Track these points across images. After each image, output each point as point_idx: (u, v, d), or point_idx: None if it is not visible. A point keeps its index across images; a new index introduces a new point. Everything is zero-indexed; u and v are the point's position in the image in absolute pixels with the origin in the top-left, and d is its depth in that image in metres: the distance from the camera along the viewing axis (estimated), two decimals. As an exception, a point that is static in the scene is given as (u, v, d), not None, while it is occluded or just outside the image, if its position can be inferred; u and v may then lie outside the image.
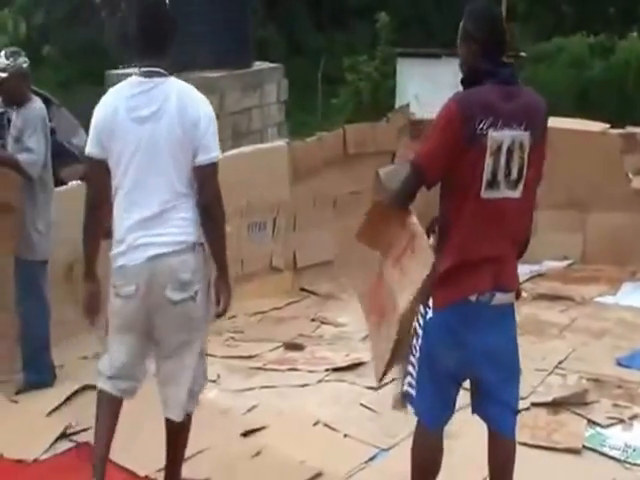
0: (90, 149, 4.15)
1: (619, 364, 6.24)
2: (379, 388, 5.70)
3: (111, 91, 4.16)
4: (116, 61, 16.10)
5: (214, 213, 4.08)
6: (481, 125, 3.71)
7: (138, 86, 4.09)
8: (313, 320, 7.43)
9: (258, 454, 4.89)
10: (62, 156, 6.62)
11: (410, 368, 4.01)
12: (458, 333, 3.85)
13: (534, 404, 5.46)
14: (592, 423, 5.31)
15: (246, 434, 5.11)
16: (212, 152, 4.04)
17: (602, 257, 8.44)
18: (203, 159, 4.03)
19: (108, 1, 18.92)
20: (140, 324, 4.15)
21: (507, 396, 4.02)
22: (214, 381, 5.97)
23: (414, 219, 4.08)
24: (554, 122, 8.80)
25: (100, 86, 15.31)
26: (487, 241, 3.81)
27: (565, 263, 8.58)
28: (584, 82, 15.72)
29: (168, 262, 4.04)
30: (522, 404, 5.42)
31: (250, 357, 6.40)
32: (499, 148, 3.75)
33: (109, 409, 4.35)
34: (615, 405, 5.55)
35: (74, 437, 5.21)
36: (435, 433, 4.03)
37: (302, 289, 8.28)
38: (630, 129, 8.85)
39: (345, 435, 5.20)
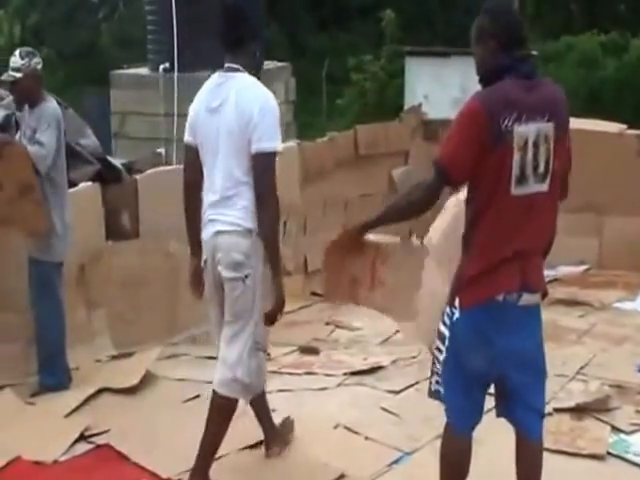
0: (185, 137, 4.70)
1: (640, 371, 6.34)
2: (400, 392, 5.85)
3: (202, 87, 4.69)
4: (115, 62, 16.21)
5: (265, 202, 4.46)
6: (506, 122, 3.77)
7: (216, 80, 4.60)
8: (327, 324, 7.54)
9: (281, 456, 5.00)
10: (72, 158, 6.72)
11: (435, 367, 4.10)
12: (485, 334, 3.93)
13: (556, 409, 5.53)
14: (615, 429, 5.38)
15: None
16: (262, 143, 4.42)
17: (619, 262, 8.48)
18: (254, 149, 4.43)
19: (106, 2, 19.05)
20: (212, 294, 4.66)
21: (534, 399, 4.10)
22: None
23: (371, 236, 4.32)
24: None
25: (99, 87, 15.44)
26: (515, 238, 3.88)
27: (581, 268, 8.63)
28: (596, 82, 15.78)
29: (225, 239, 4.50)
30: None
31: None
32: (525, 143, 3.82)
33: None
34: (638, 411, 5.61)
35: (92, 439, 5.33)
36: (463, 437, 4.11)
37: (313, 293, 8.36)
38: (648, 130, 8.93)
39: (366, 438, 5.27)
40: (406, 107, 11.64)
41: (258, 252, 4.49)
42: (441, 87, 12.95)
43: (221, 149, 4.48)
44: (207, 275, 4.63)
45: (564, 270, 8.44)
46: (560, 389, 5.86)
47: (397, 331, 7.06)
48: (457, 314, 3.97)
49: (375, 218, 4.16)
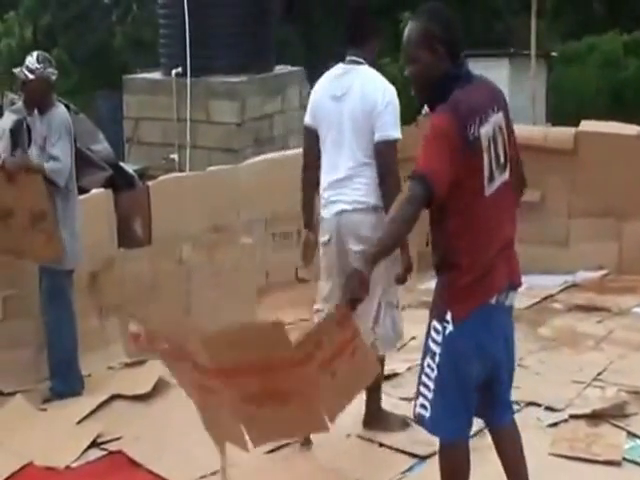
0: (306, 119, 5.35)
1: (658, 377, 6.36)
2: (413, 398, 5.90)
3: (322, 77, 5.35)
4: (128, 65, 16.29)
5: (387, 183, 5.06)
6: (472, 130, 3.84)
7: (338, 71, 5.26)
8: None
9: (294, 464, 5.11)
10: (84, 164, 6.82)
11: (422, 389, 4.11)
12: (481, 340, 4.02)
13: (572, 416, 5.61)
14: (632, 435, 5.44)
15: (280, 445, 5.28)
16: (384, 132, 5.09)
17: (639, 267, 8.49)
18: (377, 136, 5.10)
19: (119, 4, 19.11)
20: (336, 270, 5.17)
21: (507, 395, 4.30)
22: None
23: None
24: (586, 126, 8.85)
25: (111, 91, 15.49)
26: (497, 235, 3.99)
27: (600, 273, 8.62)
28: (618, 83, 15.75)
29: (350, 218, 5.11)
30: (560, 416, 5.64)
31: (280, 367, 6.56)
32: (489, 141, 3.92)
33: None
34: (655, 418, 5.69)
35: (104, 446, 5.45)
36: (463, 444, 4.20)
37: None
38: (668, 132, 8.87)
39: (380, 445, 5.36)
40: (424, 111, 11.66)
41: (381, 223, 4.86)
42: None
43: (345, 133, 5.11)
44: (329, 250, 5.19)
45: (582, 275, 8.45)
46: (577, 395, 5.93)
47: (413, 338, 7.12)
48: (450, 327, 4.00)
49: (374, 254, 3.80)
